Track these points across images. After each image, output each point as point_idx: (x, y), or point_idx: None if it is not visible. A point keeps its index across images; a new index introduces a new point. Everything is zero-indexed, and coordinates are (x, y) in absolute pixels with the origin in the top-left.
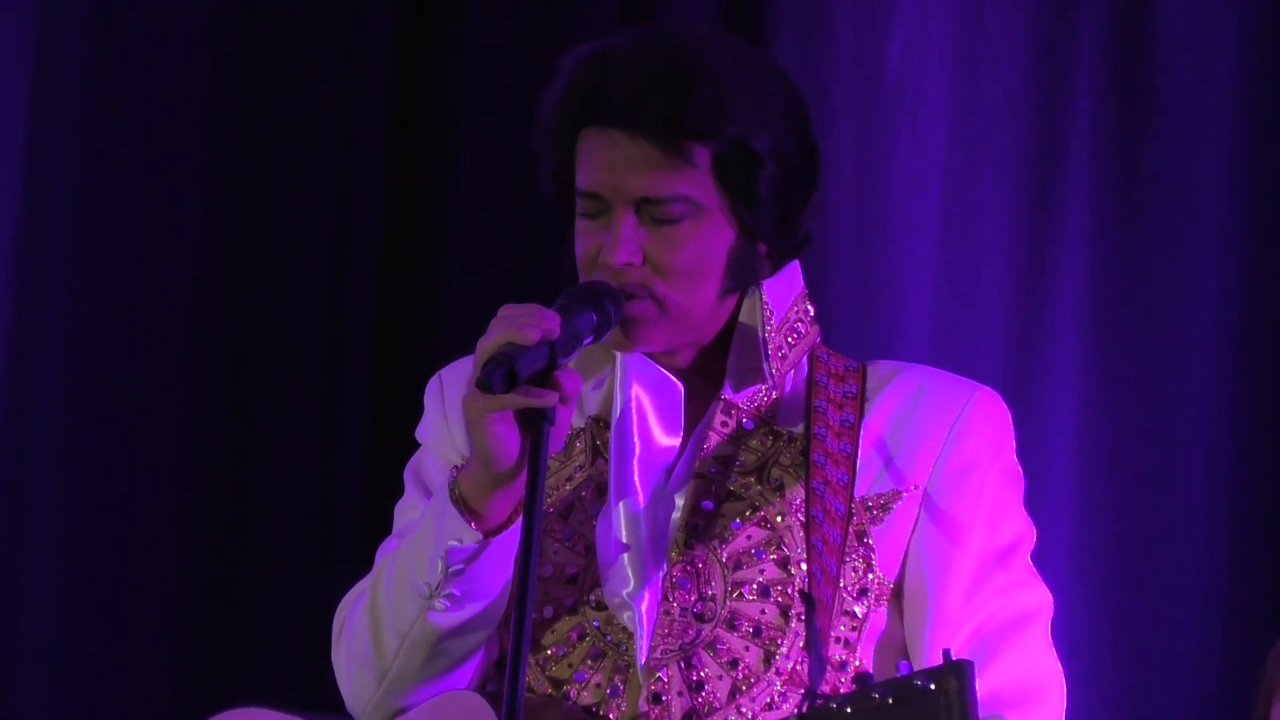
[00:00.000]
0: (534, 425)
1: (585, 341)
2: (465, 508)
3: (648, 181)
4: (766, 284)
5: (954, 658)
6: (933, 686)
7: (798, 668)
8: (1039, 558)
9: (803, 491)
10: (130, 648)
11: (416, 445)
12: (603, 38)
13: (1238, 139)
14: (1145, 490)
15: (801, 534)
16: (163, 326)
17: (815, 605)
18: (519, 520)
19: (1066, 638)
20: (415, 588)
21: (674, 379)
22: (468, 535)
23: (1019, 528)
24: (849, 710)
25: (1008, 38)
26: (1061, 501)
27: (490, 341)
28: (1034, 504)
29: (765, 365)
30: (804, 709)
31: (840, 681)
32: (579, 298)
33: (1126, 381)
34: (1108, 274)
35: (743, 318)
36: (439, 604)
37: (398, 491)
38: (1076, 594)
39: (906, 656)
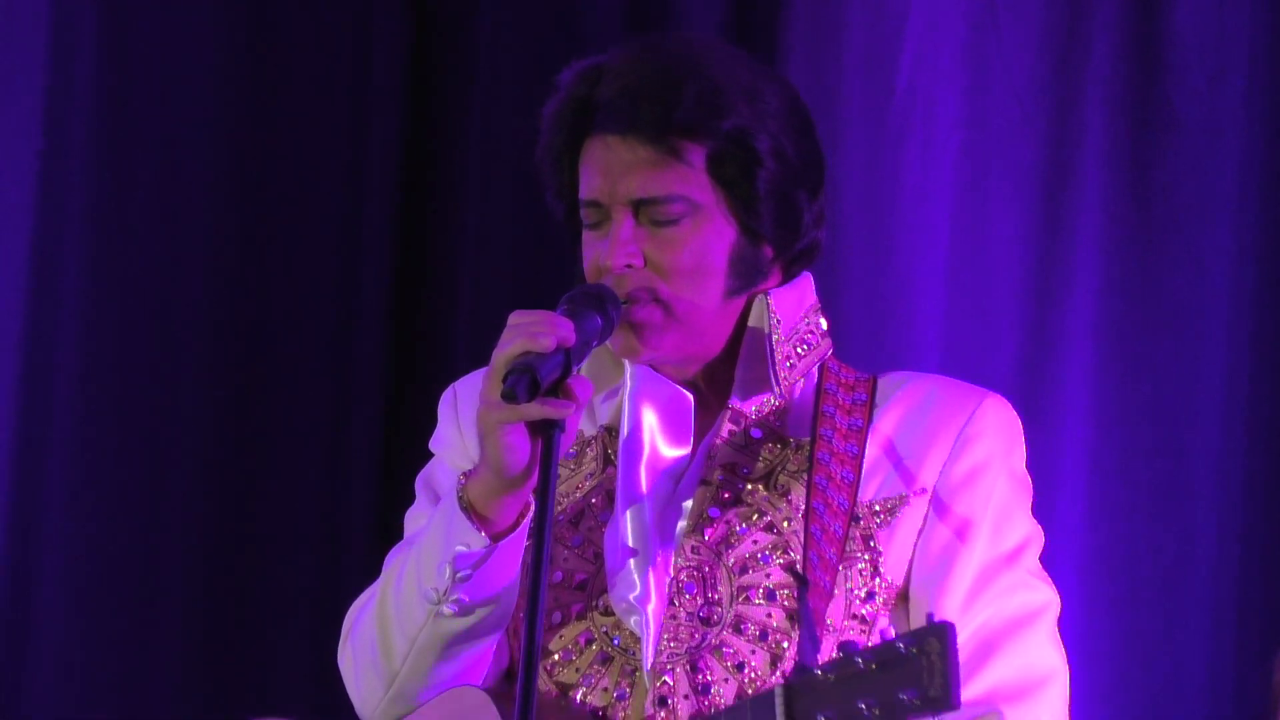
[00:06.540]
0: (546, 433)
1: (593, 345)
2: (474, 513)
3: (642, 182)
4: (774, 293)
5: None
6: (915, 650)
7: None
8: (1049, 568)
9: (805, 490)
10: (140, 654)
11: (424, 456)
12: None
13: (1250, 151)
14: (1156, 503)
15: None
16: (175, 336)
17: (809, 586)
18: (525, 523)
19: (1077, 651)
20: (423, 593)
21: (684, 391)
22: (475, 540)
23: (1026, 531)
24: (833, 678)
25: (1020, 48)
26: (1072, 513)
27: (507, 351)
28: (1044, 516)
29: (771, 373)
30: (791, 679)
31: None
32: (582, 301)
33: (1137, 394)
34: (1119, 286)
35: (750, 326)
36: (447, 609)
37: (407, 500)
38: (1087, 607)
39: None
